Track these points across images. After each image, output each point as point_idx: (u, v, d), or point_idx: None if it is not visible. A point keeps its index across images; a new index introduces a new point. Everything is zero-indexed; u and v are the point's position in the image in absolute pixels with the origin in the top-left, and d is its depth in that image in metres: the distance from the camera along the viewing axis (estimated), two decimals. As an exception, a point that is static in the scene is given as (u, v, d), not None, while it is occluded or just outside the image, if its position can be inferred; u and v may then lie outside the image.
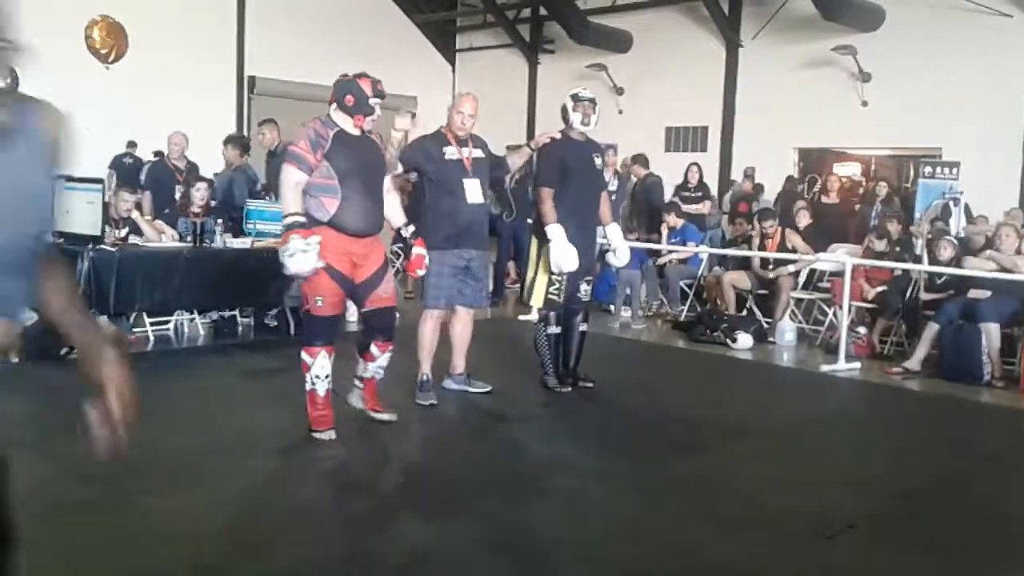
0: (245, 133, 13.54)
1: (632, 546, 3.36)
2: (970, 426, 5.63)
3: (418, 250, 4.69)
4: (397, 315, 4.63)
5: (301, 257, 4.06)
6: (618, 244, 5.71)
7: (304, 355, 4.37)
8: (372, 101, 4.32)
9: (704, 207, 10.42)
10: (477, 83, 13.81)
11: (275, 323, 7.21)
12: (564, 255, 5.26)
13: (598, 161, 5.63)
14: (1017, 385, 6.30)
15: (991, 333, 6.43)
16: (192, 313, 7.02)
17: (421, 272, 4.84)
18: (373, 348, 4.54)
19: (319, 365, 4.34)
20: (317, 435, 4.38)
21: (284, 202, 4.24)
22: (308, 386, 4.39)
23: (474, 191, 5.13)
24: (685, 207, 10.34)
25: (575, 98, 5.48)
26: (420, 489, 3.94)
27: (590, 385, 5.66)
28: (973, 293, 6.75)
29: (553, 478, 4.08)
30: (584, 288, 5.64)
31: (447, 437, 4.82)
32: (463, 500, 3.74)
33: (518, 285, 9.65)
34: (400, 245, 7.26)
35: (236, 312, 7.25)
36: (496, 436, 4.88)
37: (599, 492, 3.91)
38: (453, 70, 16.28)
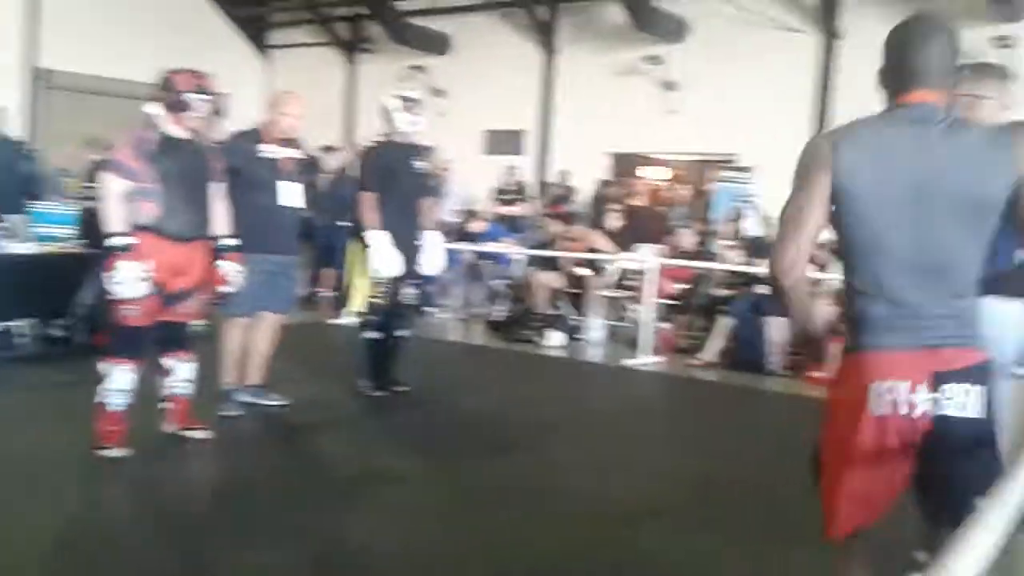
0: (35, 129, 12.58)
1: (454, 548, 3.35)
2: (760, 413, 6.03)
3: (231, 265, 4.44)
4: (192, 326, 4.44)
5: (133, 286, 3.93)
6: (431, 251, 5.63)
7: (102, 366, 4.09)
8: (191, 98, 4.10)
9: (521, 209, 10.62)
10: (292, 81, 13.43)
11: (63, 333, 6.68)
12: (385, 260, 5.19)
13: (421, 165, 5.56)
14: (801, 373, 6.80)
15: (777, 325, 6.92)
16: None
17: (228, 289, 4.53)
18: (165, 361, 4.32)
19: (118, 378, 4.07)
20: (106, 452, 4.07)
21: (108, 218, 3.98)
22: (98, 398, 4.09)
23: (288, 194, 4.97)
24: (502, 209, 10.52)
25: (402, 99, 5.41)
26: (231, 507, 3.76)
27: (405, 389, 5.61)
28: (761, 289, 7.23)
29: (371, 486, 4.01)
30: (409, 292, 5.55)
31: (258, 450, 4.63)
32: (277, 516, 3.58)
33: (332, 290, 9.51)
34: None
35: (19, 323, 6.66)
36: (310, 446, 4.74)
37: (417, 497, 3.89)
38: (267, 68, 15.78)
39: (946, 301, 1.96)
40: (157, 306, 4.14)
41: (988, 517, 1.30)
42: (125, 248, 3.94)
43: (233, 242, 4.46)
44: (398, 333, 5.58)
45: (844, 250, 2.04)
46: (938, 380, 1.93)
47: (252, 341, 5.09)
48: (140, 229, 4.02)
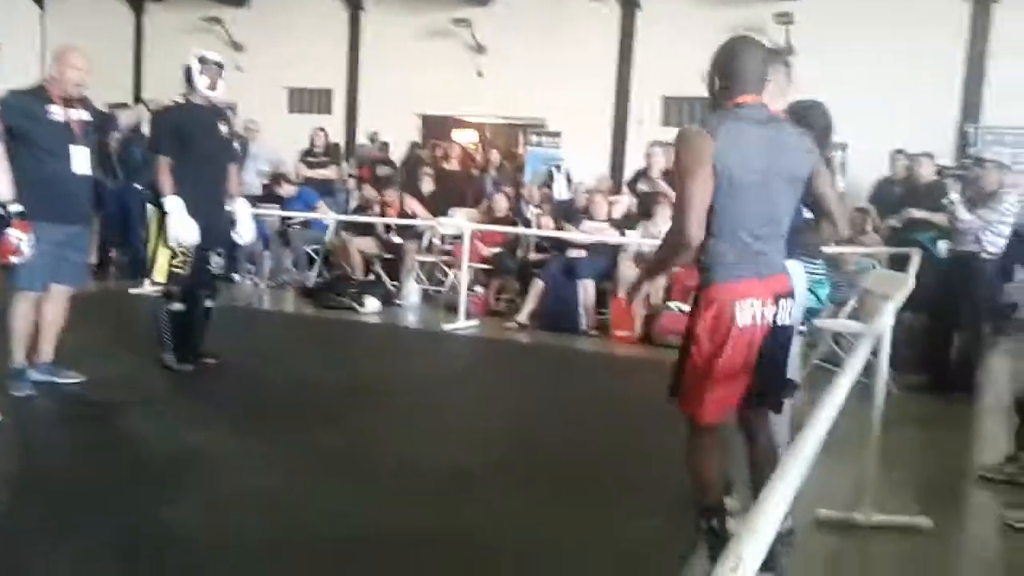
0: None
1: (277, 525, 3.24)
2: (572, 371, 6.27)
3: (17, 234, 4.06)
4: None
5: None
6: (241, 220, 5.45)
7: None
8: None
9: (332, 172, 10.35)
10: (72, 31, 12.32)
11: None
12: (183, 228, 4.92)
13: (224, 129, 5.29)
14: (608, 332, 7.14)
15: (587, 288, 7.21)
16: None
17: (15, 260, 4.18)
18: None
19: None
20: None
21: None
22: None
23: (81, 160, 4.60)
24: (311, 172, 10.21)
25: (202, 60, 5.10)
26: (36, 494, 3.45)
27: (213, 361, 5.37)
28: (572, 252, 7.49)
29: (182, 465, 3.80)
30: (216, 260, 5.31)
31: (57, 432, 4.26)
32: (84, 505, 3.32)
33: (126, 256, 8.91)
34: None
35: None
36: (115, 426, 4.40)
37: (236, 473, 3.73)
38: (42, 14, 14.35)
39: (777, 244, 2.76)
40: None
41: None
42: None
43: (18, 208, 4.09)
44: (204, 304, 5.34)
45: (713, 213, 2.62)
46: (776, 298, 2.72)
47: (42, 316, 4.70)
48: None
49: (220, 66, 5.19)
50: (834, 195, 2.94)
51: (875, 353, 3.49)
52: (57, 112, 4.53)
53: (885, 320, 3.53)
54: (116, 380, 4.97)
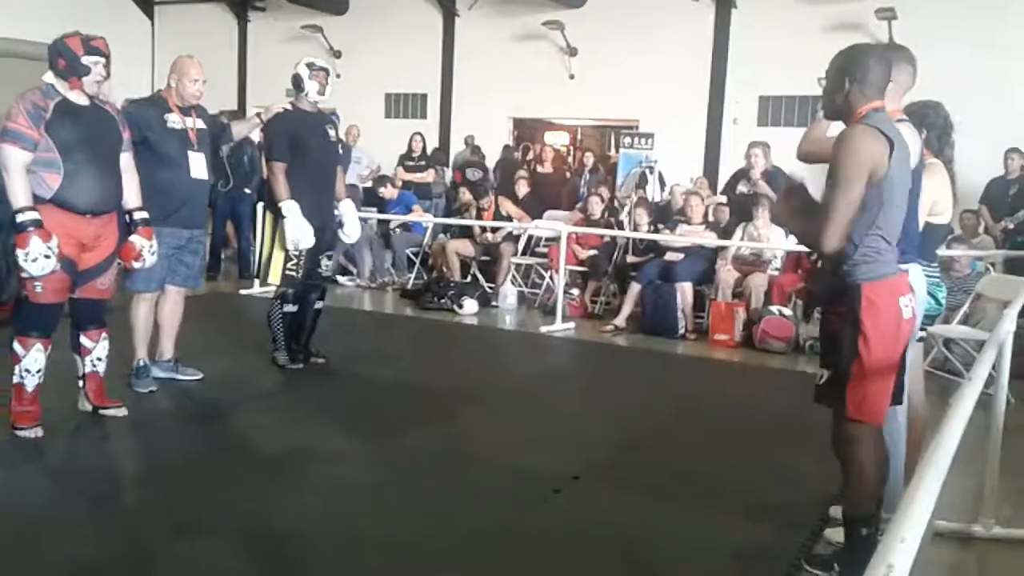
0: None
1: (381, 520, 3.37)
2: (671, 376, 6.26)
3: (141, 240, 4.28)
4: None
5: (44, 262, 3.76)
6: (349, 221, 5.63)
7: (16, 345, 3.93)
8: (86, 60, 3.92)
9: (428, 176, 10.54)
10: (180, 41, 12.88)
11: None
12: (300, 232, 5.12)
13: (332, 133, 5.48)
14: (706, 336, 7.09)
15: (684, 291, 7.17)
16: None
17: (137, 265, 4.35)
18: (84, 340, 4.22)
19: (32, 358, 3.94)
20: (21, 433, 3.95)
21: (13, 192, 3.77)
22: (16, 379, 3.95)
23: (198, 165, 4.82)
24: (409, 176, 10.43)
25: (310, 67, 5.29)
26: (150, 487, 3.67)
27: (322, 361, 5.57)
28: (669, 256, 7.47)
29: (293, 460, 3.96)
30: (324, 263, 5.52)
31: (177, 427, 4.48)
32: (201, 494, 3.53)
33: (237, 259, 9.27)
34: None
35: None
36: (229, 422, 4.62)
37: (341, 470, 3.88)
38: (152, 25, 15.03)
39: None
40: (67, 283, 3.99)
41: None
42: (35, 224, 3.77)
43: (143, 216, 4.32)
44: (314, 305, 5.54)
45: (874, 217, 2.69)
46: (909, 291, 2.84)
47: (161, 315, 4.97)
48: (42, 202, 3.83)
49: (327, 72, 5.37)
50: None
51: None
52: (175, 120, 4.76)
53: (1006, 327, 3.44)
54: (230, 377, 5.19)
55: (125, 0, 14.59)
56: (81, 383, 4.30)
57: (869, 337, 2.71)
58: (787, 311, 6.78)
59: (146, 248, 4.30)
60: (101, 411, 4.33)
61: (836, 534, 3.18)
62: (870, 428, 2.82)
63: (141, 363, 4.87)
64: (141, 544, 3.08)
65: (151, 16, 15.01)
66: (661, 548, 3.27)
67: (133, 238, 4.25)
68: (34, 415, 3.99)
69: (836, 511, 3.30)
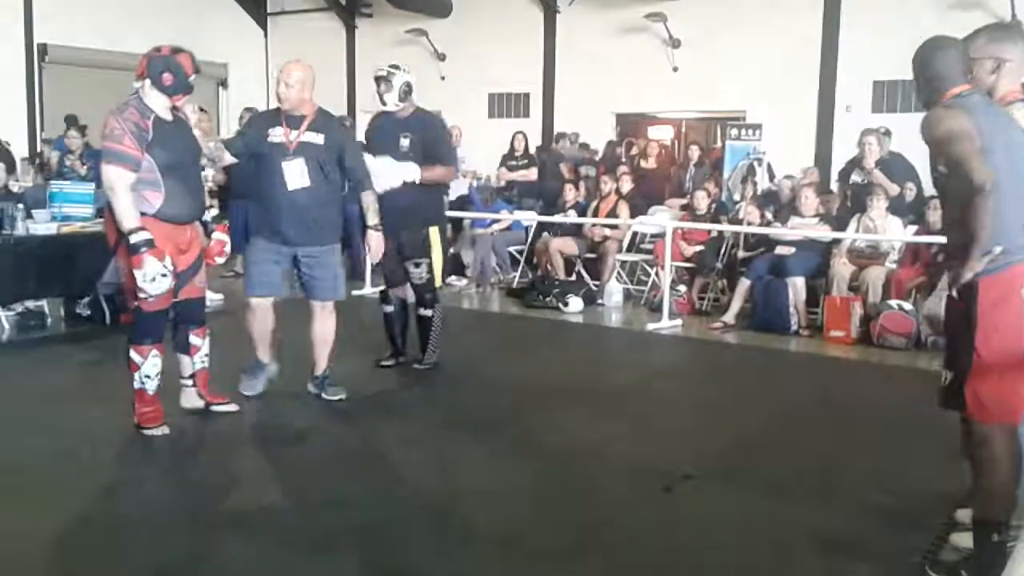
0: (38, 104, 12.50)
1: (489, 511, 3.44)
2: (783, 373, 6.09)
3: (218, 235, 4.45)
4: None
5: (162, 281, 3.94)
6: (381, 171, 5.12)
7: (133, 354, 4.13)
8: (193, 80, 4.12)
9: (531, 173, 10.57)
10: (292, 48, 13.31)
11: (88, 312, 6.73)
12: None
13: (404, 141, 5.16)
14: (820, 333, 6.87)
15: (797, 286, 6.96)
16: (-7, 306, 6.43)
17: (220, 260, 4.53)
18: (193, 339, 4.42)
19: (150, 364, 4.14)
20: (148, 431, 4.18)
21: (123, 215, 3.90)
22: (137, 385, 4.17)
23: (295, 174, 4.55)
24: (512, 175, 10.49)
25: (375, 76, 5.21)
26: (267, 486, 3.82)
27: (417, 365, 5.47)
28: (780, 250, 7.27)
29: (407, 461, 4.05)
30: (413, 271, 5.30)
31: (284, 425, 4.58)
32: (322, 493, 3.65)
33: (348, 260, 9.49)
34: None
35: (43, 303, 6.72)
36: (346, 421, 4.68)
37: (451, 462, 3.96)
38: (265, 35, 15.62)
39: None
40: (171, 288, 4.12)
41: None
42: (148, 244, 3.89)
43: (215, 214, 4.49)
44: (419, 311, 5.49)
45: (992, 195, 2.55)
46: None
47: (312, 332, 4.85)
48: (145, 216, 3.98)
49: (382, 79, 5.13)
50: None
51: None
52: (277, 134, 4.58)
53: None
54: (349, 378, 5.26)
55: (240, 13, 15.21)
56: (190, 382, 4.50)
57: (988, 333, 2.61)
58: (907, 305, 6.50)
59: (226, 243, 4.51)
60: (213, 407, 4.53)
61: (963, 539, 3.04)
62: (1002, 428, 2.69)
63: (254, 362, 4.86)
64: (254, 545, 3.21)
65: (264, 27, 15.59)
66: (775, 549, 3.20)
67: (216, 235, 4.43)
68: (159, 414, 4.22)
69: (963, 515, 3.15)
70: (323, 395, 4.87)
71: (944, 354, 2.95)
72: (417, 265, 5.29)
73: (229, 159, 4.74)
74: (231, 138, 4.82)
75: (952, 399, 2.77)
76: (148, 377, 4.14)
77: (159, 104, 4.06)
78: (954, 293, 2.76)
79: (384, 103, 5.15)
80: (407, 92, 5.19)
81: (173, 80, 4.03)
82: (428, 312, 5.42)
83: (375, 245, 4.82)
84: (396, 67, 5.19)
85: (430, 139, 5.25)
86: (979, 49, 2.87)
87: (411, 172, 5.11)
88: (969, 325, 2.66)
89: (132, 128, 3.92)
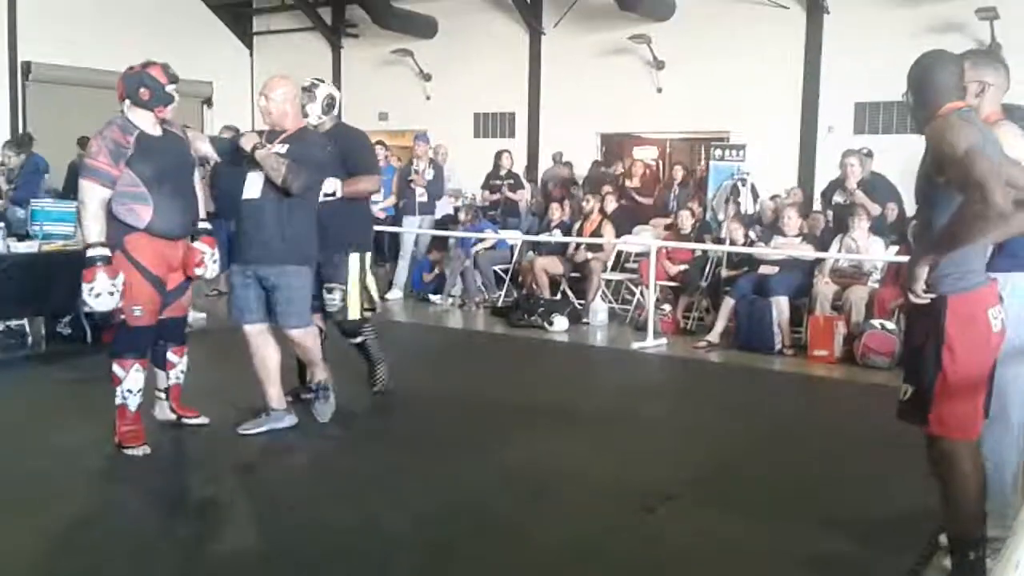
0: (22, 123, 12.44)
1: (475, 538, 3.41)
2: (767, 393, 6.09)
3: (200, 246, 4.34)
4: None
5: (107, 299, 3.92)
6: None
7: (116, 368, 4.12)
8: (170, 88, 4.11)
9: (519, 195, 10.59)
10: (277, 68, 13.26)
11: (69, 331, 6.67)
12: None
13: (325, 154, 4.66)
14: (804, 352, 6.90)
15: (780, 305, 7.00)
16: (-29, 325, 6.37)
17: (199, 272, 4.32)
18: (171, 355, 4.45)
19: (132, 379, 4.13)
20: (129, 451, 4.14)
21: (86, 228, 3.95)
22: (119, 400, 4.14)
23: (251, 186, 4.27)
24: (495, 196, 10.50)
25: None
26: (252, 499, 3.79)
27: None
28: (764, 269, 7.30)
29: (377, 481, 4.00)
30: (327, 296, 4.82)
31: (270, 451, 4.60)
32: (314, 511, 3.64)
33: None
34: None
35: (24, 322, 6.66)
36: (328, 446, 4.65)
37: (435, 486, 3.92)
38: (251, 55, 15.62)
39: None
40: (159, 305, 4.17)
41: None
42: (103, 260, 3.90)
43: (206, 225, 4.43)
44: (350, 340, 5.13)
45: None
46: (999, 302, 2.74)
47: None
48: (137, 231, 4.01)
49: (308, 91, 4.83)
50: None
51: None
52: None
53: None
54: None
55: (225, 32, 15.23)
56: (164, 395, 4.52)
57: (955, 350, 2.64)
58: (890, 325, 6.54)
59: (207, 256, 4.36)
60: (184, 420, 4.55)
61: (948, 561, 3.04)
62: (965, 444, 2.71)
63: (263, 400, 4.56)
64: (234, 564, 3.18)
65: (250, 46, 15.61)
66: (760, 569, 3.19)
67: (196, 244, 4.36)
68: (140, 434, 4.18)
69: (945, 538, 3.15)
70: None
71: (905, 367, 2.96)
72: (330, 291, 4.80)
73: (212, 153, 4.55)
74: (221, 137, 4.72)
75: (911, 413, 2.78)
76: (130, 392, 4.13)
77: (144, 120, 4.07)
78: (910, 295, 2.70)
79: (306, 114, 4.78)
80: (330, 106, 4.92)
81: (150, 94, 4.05)
82: (356, 340, 5.05)
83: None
84: (321, 80, 4.99)
85: (349, 149, 4.87)
86: (965, 73, 2.91)
87: (330, 184, 4.74)
88: (935, 342, 2.67)
89: (110, 146, 3.95)
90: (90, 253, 3.91)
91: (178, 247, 4.21)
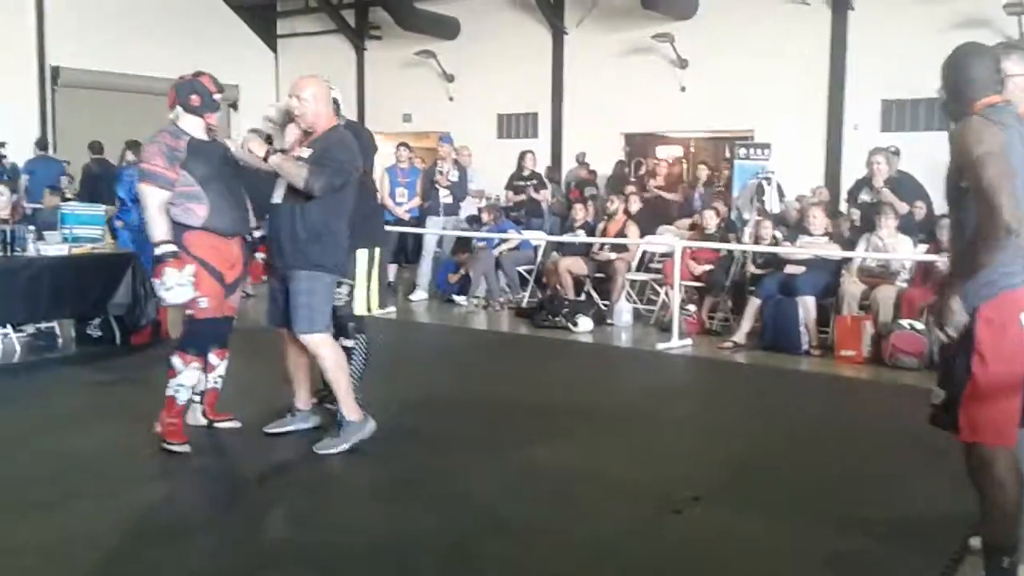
0: (50, 127, 12.61)
1: (496, 537, 3.41)
2: (793, 393, 6.05)
3: (260, 256, 4.51)
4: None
5: (179, 291, 4.05)
6: None
7: (176, 360, 4.21)
8: (217, 97, 4.27)
9: (542, 195, 10.59)
10: (301, 70, 13.37)
11: (99, 333, 6.75)
12: None
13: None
14: (831, 352, 6.84)
15: (807, 305, 6.94)
16: (4, 327, 6.45)
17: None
18: (212, 358, 4.46)
19: (188, 375, 4.24)
20: (171, 447, 4.19)
21: (153, 228, 4.10)
22: (169, 392, 4.21)
23: (278, 189, 4.22)
24: (519, 196, 10.50)
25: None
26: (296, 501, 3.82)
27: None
28: (790, 269, 7.25)
29: (400, 480, 4.03)
30: (335, 291, 4.48)
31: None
32: (335, 512, 3.66)
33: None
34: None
35: (54, 324, 6.75)
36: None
37: (457, 487, 3.93)
38: (275, 57, 15.74)
39: None
40: (223, 296, 4.28)
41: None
42: (170, 255, 4.07)
43: (260, 234, 4.53)
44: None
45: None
46: None
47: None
48: (195, 229, 4.14)
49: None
50: None
51: None
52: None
53: None
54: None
55: (251, 35, 15.36)
56: (199, 398, 4.54)
57: (985, 356, 2.60)
58: (919, 325, 6.46)
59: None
60: (215, 424, 4.59)
61: (977, 566, 3.00)
62: (1002, 451, 2.66)
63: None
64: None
65: (275, 49, 15.73)
66: (786, 571, 3.17)
67: (259, 256, 4.47)
68: (181, 430, 4.25)
69: (977, 542, 3.11)
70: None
71: (938, 373, 2.93)
72: (338, 284, 4.53)
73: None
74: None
75: (943, 419, 2.76)
76: (182, 386, 4.22)
77: (193, 126, 4.23)
78: (942, 334, 2.71)
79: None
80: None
81: (200, 100, 4.21)
82: (348, 343, 4.68)
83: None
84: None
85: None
86: (1014, 66, 2.86)
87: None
88: (965, 347, 2.64)
89: (164, 149, 4.11)
90: (158, 251, 4.07)
91: (232, 245, 4.30)
